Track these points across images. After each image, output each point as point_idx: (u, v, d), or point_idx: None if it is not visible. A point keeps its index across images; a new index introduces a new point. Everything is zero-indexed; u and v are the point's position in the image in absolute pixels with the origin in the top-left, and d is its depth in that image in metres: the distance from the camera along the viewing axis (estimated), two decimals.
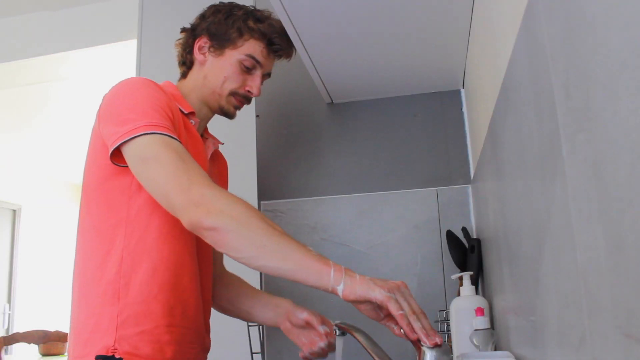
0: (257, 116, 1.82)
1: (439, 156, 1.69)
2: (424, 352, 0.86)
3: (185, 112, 1.10)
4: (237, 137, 2.14)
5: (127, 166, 0.98)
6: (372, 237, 1.67)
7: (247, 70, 1.17)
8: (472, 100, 1.49)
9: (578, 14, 0.44)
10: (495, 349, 1.11)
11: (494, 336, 1.10)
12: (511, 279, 0.94)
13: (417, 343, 0.85)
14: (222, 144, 1.27)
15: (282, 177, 1.78)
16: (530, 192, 0.70)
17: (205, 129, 1.24)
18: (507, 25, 0.77)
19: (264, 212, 1.75)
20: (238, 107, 1.20)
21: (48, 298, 5.75)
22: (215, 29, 1.17)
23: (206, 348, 1.15)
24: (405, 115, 1.74)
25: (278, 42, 1.20)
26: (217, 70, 1.16)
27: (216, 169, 1.25)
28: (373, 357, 0.94)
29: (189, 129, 1.10)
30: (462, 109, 1.71)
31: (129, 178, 1.01)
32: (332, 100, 1.77)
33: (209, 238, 0.91)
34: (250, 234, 0.89)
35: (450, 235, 1.55)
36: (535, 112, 0.62)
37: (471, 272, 1.30)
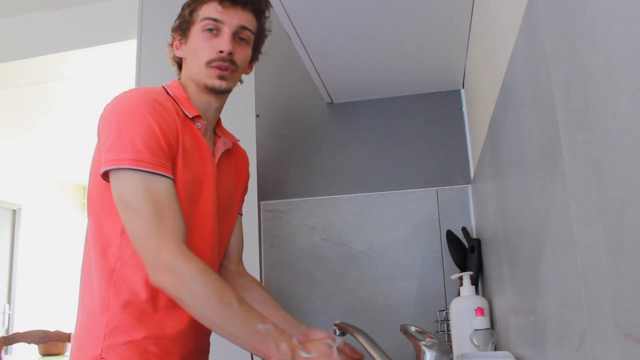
0: (257, 116, 1.82)
1: (439, 156, 1.69)
2: (424, 351, 0.86)
3: (190, 116, 1.08)
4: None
5: None
6: (372, 237, 1.67)
7: (213, 35, 1.10)
8: (472, 100, 1.49)
9: (578, 14, 0.44)
10: (495, 349, 1.11)
11: (494, 336, 1.10)
12: (511, 279, 0.94)
13: (416, 343, 0.85)
14: (238, 141, 1.25)
15: (282, 177, 1.78)
16: (530, 192, 0.70)
17: (219, 126, 1.21)
18: (507, 25, 0.77)
19: (264, 212, 1.75)
20: (222, 77, 1.11)
21: (48, 298, 5.75)
22: (177, 23, 1.16)
23: (204, 352, 1.15)
24: (405, 115, 1.74)
25: None
26: (190, 53, 1.12)
27: (232, 165, 1.22)
28: (373, 357, 0.94)
29: (195, 135, 1.09)
30: (462, 109, 1.71)
31: None
32: (332, 100, 1.77)
33: (173, 299, 0.96)
34: (206, 312, 0.94)
35: (450, 235, 1.55)
36: (535, 112, 0.62)
37: (471, 272, 1.30)
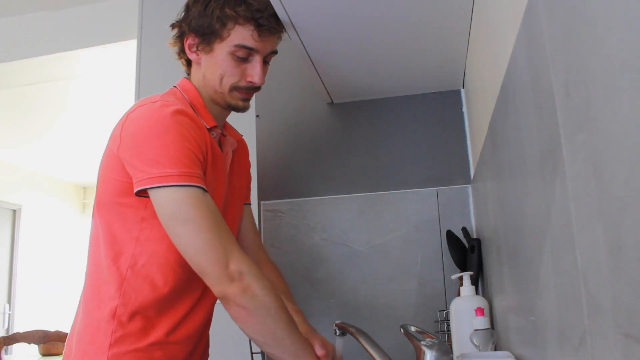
0: (257, 116, 1.82)
1: (439, 156, 1.69)
2: (424, 351, 0.86)
3: (208, 126, 1.06)
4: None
5: (148, 196, 0.96)
6: (372, 237, 1.67)
7: (243, 60, 1.07)
8: (472, 100, 1.49)
9: (578, 14, 0.44)
10: (495, 349, 1.11)
11: (494, 336, 1.10)
12: (511, 279, 0.94)
13: (416, 343, 0.85)
14: (242, 136, 1.24)
15: (282, 177, 1.78)
16: (530, 192, 0.70)
17: (225, 124, 1.20)
18: (507, 25, 0.77)
19: (264, 212, 1.75)
20: (246, 99, 1.11)
21: (48, 298, 5.75)
22: (197, 24, 1.07)
23: (206, 350, 1.15)
24: (405, 115, 1.74)
25: (266, 23, 1.07)
26: (212, 68, 1.07)
27: (236, 162, 1.20)
28: (373, 357, 0.94)
29: (213, 145, 1.06)
30: (462, 109, 1.71)
31: (144, 200, 0.98)
32: (332, 100, 1.77)
33: (233, 311, 0.93)
34: (274, 325, 0.93)
35: (450, 235, 1.55)
36: (535, 112, 0.62)
37: (471, 272, 1.30)
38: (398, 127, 1.74)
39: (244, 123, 1.94)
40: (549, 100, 0.55)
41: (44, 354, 3.18)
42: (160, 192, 0.93)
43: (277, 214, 1.74)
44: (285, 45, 1.49)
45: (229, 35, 1.05)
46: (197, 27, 1.07)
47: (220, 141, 1.14)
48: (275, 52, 1.13)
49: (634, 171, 0.34)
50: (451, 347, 1.27)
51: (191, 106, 1.07)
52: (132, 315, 0.98)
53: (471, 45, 1.35)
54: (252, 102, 1.86)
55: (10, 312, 5.41)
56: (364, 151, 1.74)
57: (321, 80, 1.58)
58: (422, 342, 0.90)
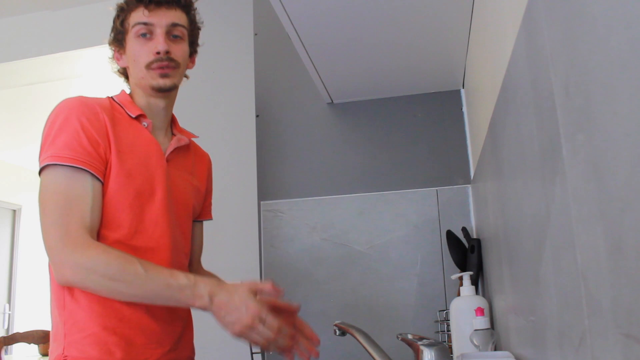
0: (257, 116, 1.82)
1: (439, 156, 1.69)
2: (422, 351, 0.86)
3: (133, 115, 1.12)
4: (237, 137, 2.14)
5: None
6: (372, 237, 1.67)
7: (146, 38, 1.14)
8: (472, 100, 1.49)
9: (578, 14, 0.44)
10: (495, 349, 1.11)
11: (494, 336, 1.10)
12: (511, 279, 0.94)
13: (414, 343, 0.85)
14: (197, 137, 1.27)
15: (282, 177, 1.78)
16: (530, 192, 0.70)
17: (175, 125, 1.23)
18: (507, 25, 0.77)
19: (264, 212, 1.75)
20: (165, 75, 1.13)
21: (48, 298, 5.74)
22: (112, 36, 1.20)
23: (182, 344, 1.12)
24: (405, 115, 1.74)
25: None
26: (130, 60, 1.16)
27: (189, 163, 1.23)
28: (373, 357, 0.95)
29: (139, 132, 1.12)
30: (462, 109, 1.71)
31: None
32: (332, 100, 1.77)
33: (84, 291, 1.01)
34: (118, 288, 0.97)
35: (450, 235, 1.55)
36: (535, 112, 0.62)
37: (471, 272, 1.30)
38: (398, 127, 1.74)
39: (244, 123, 1.94)
40: (549, 100, 0.55)
41: (44, 354, 3.18)
42: (41, 175, 1.02)
43: (277, 214, 1.74)
44: (285, 45, 1.49)
45: (129, 25, 1.16)
46: (114, 38, 1.20)
47: (171, 140, 1.20)
48: (177, 25, 1.16)
49: (634, 171, 0.34)
50: (451, 347, 1.27)
51: (119, 104, 1.14)
52: (78, 300, 1.02)
53: (471, 45, 1.35)
54: (252, 102, 1.87)
55: (10, 312, 5.41)
56: (364, 151, 1.74)
57: (321, 80, 1.58)
58: (420, 343, 0.90)
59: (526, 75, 0.66)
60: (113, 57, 1.22)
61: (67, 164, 0.99)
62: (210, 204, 1.31)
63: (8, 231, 5.60)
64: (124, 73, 1.21)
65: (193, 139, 1.26)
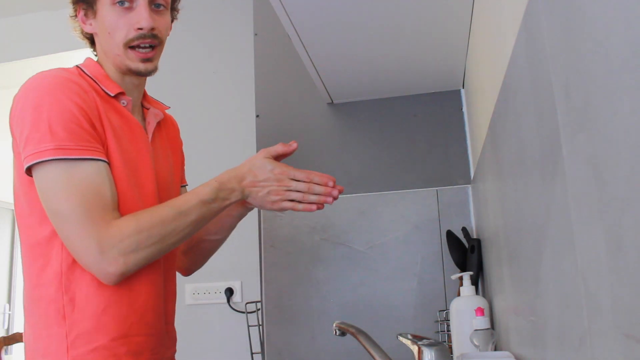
0: (257, 116, 1.82)
1: (439, 156, 1.69)
2: (423, 351, 0.86)
3: (112, 94, 0.98)
4: (237, 137, 2.15)
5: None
6: (372, 237, 1.67)
7: (125, 7, 0.96)
8: (472, 100, 1.49)
9: (578, 14, 0.44)
10: (495, 349, 1.11)
11: (494, 336, 1.10)
12: (511, 279, 0.94)
13: (416, 343, 0.85)
14: (168, 107, 1.15)
15: None
16: (530, 192, 0.70)
17: (145, 96, 1.10)
18: (507, 25, 0.77)
19: (264, 212, 1.75)
20: (145, 60, 0.99)
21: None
22: None
23: (172, 344, 1.08)
24: (405, 115, 1.74)
25: None
26: (102, 29, 0.98)
27: (164, 137, 1.13)
28: (373, 357, 0.95)
29: (121, 113, 0.99)
30: (462, 109, 1.71)
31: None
32: (332, 100, 1.77)
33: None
34: (169, 239, 0.93)
35: (450, 235, 1.55)
36: (535, 112, 0.62)
37: (471, 272, 1.30)
38: (398, 127, 1.74)
39: (244, 123, 1.94)
40: (549, 100, 0.55)
41: None
42: (36, 170, 0.89)
43: (277, 214, 1.74)
44: (285, 45, 1.49)
45: None
46: None
47: (144, 115, 1.08)
48: (166, 4, 1.02)
49: (634, 171, 0.34)
50: (451, 347, 1.27)
51: (92, 78, 0.98)
52: (83, 310, 0.91)
53: (471, 45, 1.35)
54: (252, 102, 1.87)
55: (10, 312, 5.41)
56: (364, 151, 1.74)
57: (321, 80, 1.58)
58: (420, 343, 0.90)
59: (526, 75, 0.66)
60: (76, 16, 1.03)
61: (75, 156, 0.88)
62: (183, 169, 1.22)
63: (8, 231, 5.60)
64: (90, 38, 1.05)
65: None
